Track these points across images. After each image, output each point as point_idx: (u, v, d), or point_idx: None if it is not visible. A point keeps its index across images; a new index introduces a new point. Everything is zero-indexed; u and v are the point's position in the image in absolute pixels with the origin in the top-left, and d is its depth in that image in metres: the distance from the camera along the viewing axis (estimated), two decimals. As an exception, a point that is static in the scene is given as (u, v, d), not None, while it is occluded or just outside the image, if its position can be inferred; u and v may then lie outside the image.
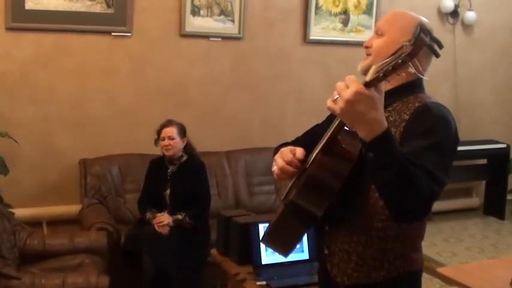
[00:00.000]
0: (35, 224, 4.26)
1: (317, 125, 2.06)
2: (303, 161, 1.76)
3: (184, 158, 4.11)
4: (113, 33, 4.58)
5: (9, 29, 4.29)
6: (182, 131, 4.08)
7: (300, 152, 1.77)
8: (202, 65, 4.94)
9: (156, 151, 4.18)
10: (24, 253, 3.56)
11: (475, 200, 6.38)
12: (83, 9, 4.42)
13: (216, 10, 4.85)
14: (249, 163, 4.93)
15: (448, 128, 1.65)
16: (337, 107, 1.44)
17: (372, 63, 1.63)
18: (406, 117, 1.67)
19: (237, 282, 3.15)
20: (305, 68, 5.33)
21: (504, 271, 2.92)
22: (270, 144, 4.74)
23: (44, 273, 3.30)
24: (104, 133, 4.66)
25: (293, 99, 5.32)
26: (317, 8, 5.22)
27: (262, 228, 3.21)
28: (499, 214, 6.10)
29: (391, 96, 1.65)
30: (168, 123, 4.06)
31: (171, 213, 3.95)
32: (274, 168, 1.80)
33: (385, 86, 1.46)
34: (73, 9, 4.40)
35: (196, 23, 4.82)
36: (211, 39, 4.91)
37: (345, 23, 5.37)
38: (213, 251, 3.58)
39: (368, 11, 5.41)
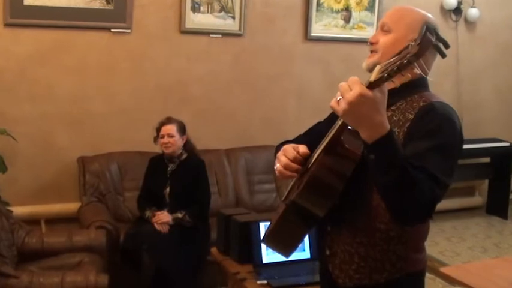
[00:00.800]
0: (33, 222, 4.26)
1: (319, 123, 2.05)
2: (306, 159, 1.75)
3: (184, 155, 4.11)
4: (112, 30, 4.57)
5: (8, 25, 4.27)
6: (182, 129, 4.08)
7: (303, 148, 1.76)
8: (202, 62, 4.93)
9: (156, 149, 4.18)
10: (22, 251, 3.55)
11: (478, 199, 6.37)
12: (82, 5, 4.42)
13: (216, 6, 4.84)
14: (249, 161, 4.93)
15: (453, 128, 1.64)
16: (340, 108, 1.43)
17: (379, 61, 1.64)
18: (411, 116, 1.66)
19: (238, 281, 3.15)
20: (306, 66, 5.32)
21: (507, 271, 2.92)
22: (270, 142, 4.75)
23: (43, 272, 3.29)
24: (103, 130, 4.65)
25: (294, 96, 5.32)
26: (318, 4, 5.21)
27: (263, 226, 3.21)
28: (502, 213, 6.09)
29: (395, 95, 1.63)
30: (168, 120, 4.06)
31: (171, 212, 3.95)
32: (277, 166, 1.79)
33: (389, 84, 1.45)
34: (72, 5, 4.39)
35: (197, 20, 4.81)
36: (211, 35, 4.90)
37: (347, 19, 5.36)
38: (213, 250, 3.58)
39: (370, 7, 5.40)
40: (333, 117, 1.87)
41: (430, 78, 1.63)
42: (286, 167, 1.75)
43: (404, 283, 1.76)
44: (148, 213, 3.97)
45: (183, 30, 4.80)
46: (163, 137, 4.01)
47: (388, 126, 1.45)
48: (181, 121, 4.11)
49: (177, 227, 3.90)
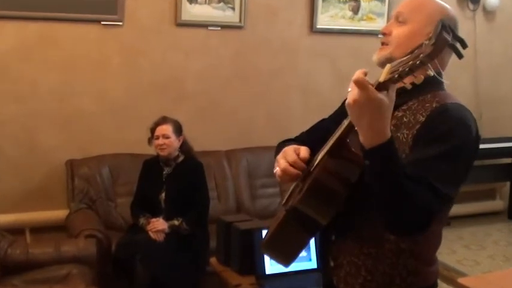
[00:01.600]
0: (17, 231, 4.26)
1: (323, 120, 2.04)
2: (308, 161, 1.75)
3: (181, 158, 4.11)
4: (102, 22, 4.58)
5: (-11, 17, 4.28)
6: (178, 129, 4.08)
7: (304, 151, 1.76)
8: (200, 57, 4.93)
9: (150, 151, 4.18)
10: (5, 264, 3.53)
11: (499, 203, 6.35)
12: (70, -4, 4.42)
13: (214, -4, 4.86)
14: (252, 163, 4.93)
15: (467, 133, 1.62)
16: (347, 101, 1.45)
17: (391, 55, 1.64)
18: (422, 118, 1.64)
19: (239, 294, 3.15)
20: (312, 60, 5.31)
21: (532, 282, 2.90)
22: (273, 143, 4.65)
23: (27, 286, 3.29)
24: (93, 131, 4.65)
25: (299, 93, 5.31)
26: (325, -6, 5.22)
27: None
28: (526, 218, 6.09)
29: (407, 94, 1.60)
30: (163, 120, 4.07)
31: (167, 219, 3.95)
32: (277, 169, 1.79)
33: (400, 83, 1.44)
34: (59, -5, 4.40)
35: (194, 11, 4.81)
36: (209, 28, 4.90)
37: (355, 10, 5.35)
38: (213, 260, 3.59)
39: (381, -3, 5.40)
40: (338, 114, 1.87)
41: (446, 82, 1.61)
42: (285, 172, 1.75)
43: None
44: (142, 221, 3.98)
45: (179, 23, 4.79)
46: (158, 138, 4.01)
47: (389, 135, 1.46)
48: (178, 121, 4.11)
49: (173, 235, 3.90)
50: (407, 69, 1.33)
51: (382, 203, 1.53)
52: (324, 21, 5.26)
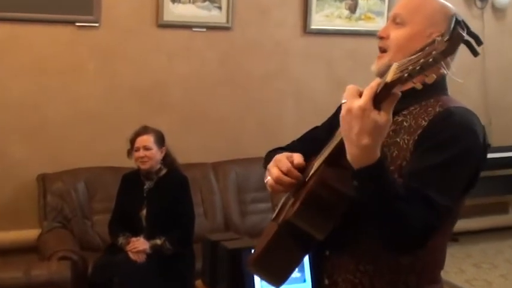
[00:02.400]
0: (-17, 253, 4.25)
1: (316, 128, 2.06)
2: (302, 170, 1.75)
3: (163, 171, 4.12)
4: (77, 23, 4.59)
5: (-50, 18, 4.30)
6: (160, 140, 4.08)
7: (298, 158, 1.77)
8: (184, 61, 4.95)
9: (130, 164, 4.17)
10: (-32, 290, 3.53)
11: (511, 217, 6.36)
12: (40, -5, 4.44)
13: (199, -5, 4.88)
14: (241, 176, 4.94)
15: (473, 139, 1.64)
16: (342, 112, 1.48)
17: (391, 63, 1.63)
18: (424, 123, 1.66)
19: (227, 320, 3.13)
20: (305, 63, 5.33)
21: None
22: (264, 154, 4.70)
23: (-6, 314, 3.25)
24: (67, 142, 4.64)
25: (292, 99, 5.33)
26: (319, -9, 5.25)
27: (257, 254, 3.19)
28: (541, 234, 6.11)
29: (408, 98, 1.62)
30: (144, 130, 4.07)
31: (148, 238, 3.95)
32: (268, 179, 1.80)
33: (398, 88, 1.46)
34: (29, -6, 4.41)
35: (177, 11, 4.82)
36: (194, 29, 4.92)
37: (353, 9, 5.37)
38: (198, 283, 3.57)
39: (380, -6, 5.44)
40: (332, 122, 1.89)
41: (460, 80, 1.60)
42: (278, 181, 1.76)
43: None
44: (121, 240, 3.97)
45: (161, 24, 4.81)
46: (138, 149, 4.02)
47: (378, 155, 1.48)
48: (160, 131, 4.12)
49: (155, 255, 3.90)
50: (418, 67, 1.33)
51: (375, 222, 1.56)
52: (318, 21, 5.27)
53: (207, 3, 4.89)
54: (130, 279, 3.77)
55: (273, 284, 1.82)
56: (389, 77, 1.39)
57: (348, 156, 1.49)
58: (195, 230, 4.12)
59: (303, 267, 3.25)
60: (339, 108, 1.51)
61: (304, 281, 3.26)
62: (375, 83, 1.44)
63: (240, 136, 5.16)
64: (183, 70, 4.94)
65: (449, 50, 1.31)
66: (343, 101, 1.47)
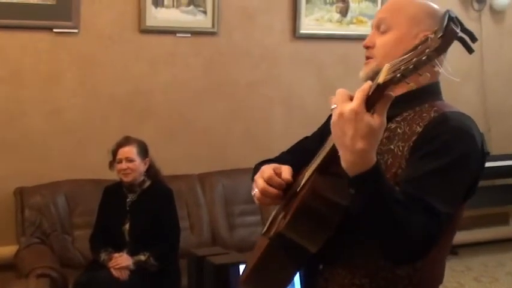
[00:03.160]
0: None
1: (306, 138, 2.07)
2: (291, 182, 1.76)
3: (147, 183, 4.13)
4: (54, 30, 4.58)
5: None
6: (143, 151, 4.09)
7: (286, 170, 1.78)
8: (168, 68, 4.95)
9: (112, 176, 4.18)
10: None
11: (512, 229, 6.39)
12: (16, 0, 4.41)
13: (183, -1, 4.87)
14: (228, 188, 4.94)
15: (470, 143, 1.65)
16: (333, 118, 1.47)
17: (378, 68, 1.62)
18: (419, 129, 1.67)
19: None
20: (295, 69, 5.34)
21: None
22: (252, 165, 4.60)
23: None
24: (45, 155, 4.63)
25: (281, 107, 5.34)
26: (309, -6, 5.24)
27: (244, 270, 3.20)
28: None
29: (401, 104, 1.65)
30: (126, 141, 4.07)
31: (132, 253, 3.95)
32: (255, 191, 1.81)
33: (394, 91, 1.45)
34: None
35: (160, 16, 4.83)
36: (178, 35, 4.94)
37: (344, 12, 5.38)
38: (184, 300, 3.57)
39: (372, -4, 5.45)
40: (323, 131, 1.89)
41: (456, 79, 1.56)
42: (264, 193, 1.78)
43: None
44: (103, 256, 3.97)
45: (144, 29, 4.81)
46: (120, 161, 4.02)
47: (374, 160, 1.47)
48: (143, 141, 4.12)
49: (139, 272, 3.90)
50: (411, 66, 1.33)
51: (373, 232, 1.56)
52: (308, 25, 5.29)
53: (191, 7, 4.88)
54: (113, 297, 3.75)
55: None
56: (381, 77, 1.38)
57: (343, 163, 1.47)
58: (181, 245, 4.11)
59: (293, 285, 3.26)
60: (330, 117, 1.49)
61: (295, 296, 3.29)
62: (366, 85, 1.43)
63: (227, 146, 5.15)
64: (167, 77, 4.94)
65: (443, 47, 1.31)
66: (332, 107, 1.46)
